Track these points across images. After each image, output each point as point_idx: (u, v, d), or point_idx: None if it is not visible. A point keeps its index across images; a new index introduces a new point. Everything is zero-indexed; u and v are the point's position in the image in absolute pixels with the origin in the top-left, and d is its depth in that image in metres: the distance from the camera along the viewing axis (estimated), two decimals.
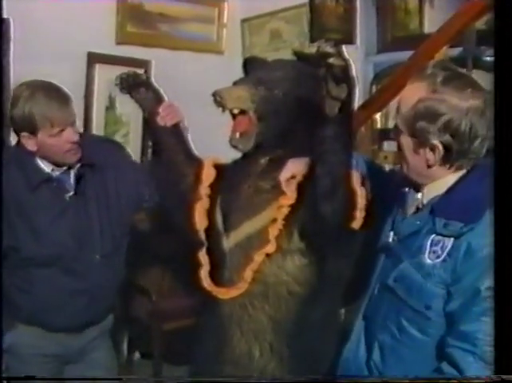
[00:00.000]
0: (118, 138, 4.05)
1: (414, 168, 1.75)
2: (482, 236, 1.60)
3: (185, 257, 2.17)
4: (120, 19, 3.99)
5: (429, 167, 1.71)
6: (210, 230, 2.07)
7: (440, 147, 1.65)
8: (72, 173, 2.57)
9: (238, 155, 2.07)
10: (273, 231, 1.90)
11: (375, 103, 3.19)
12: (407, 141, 1.73)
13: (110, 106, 3.99)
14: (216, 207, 2.08)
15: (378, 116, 3.44)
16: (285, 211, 1.89)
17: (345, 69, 1.66)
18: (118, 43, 3.99)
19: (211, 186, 2.10)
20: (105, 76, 3.80)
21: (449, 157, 1.67)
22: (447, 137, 1.63)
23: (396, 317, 1.75)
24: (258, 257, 1.94)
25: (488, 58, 2.98)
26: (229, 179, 2.09)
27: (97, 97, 3.94)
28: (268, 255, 1.94)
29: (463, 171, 1.72)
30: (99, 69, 3.88)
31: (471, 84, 1.68)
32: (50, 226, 2.51)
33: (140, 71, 2.57)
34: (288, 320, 1.97)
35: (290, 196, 1.89)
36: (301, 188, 1.89)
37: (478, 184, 1.65)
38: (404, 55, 3.10)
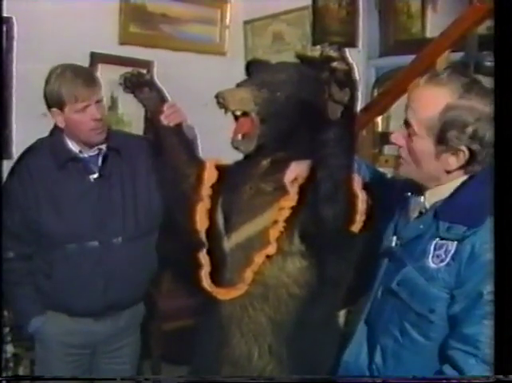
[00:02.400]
0: None
1: (428, 172, 1.75)
2: (486, 240, 1.60)
3: (185, 257, 2.18)
4: (123, 20, 3.99)
5: (448, 172, 1.71)
6: (211, 230, 2.07)
7: (467, 152, 1.66)
8: (101, 156, 2.67)
9: (239, 156, 2.08)
10: (274, 233, 1.91)
11: (376, 106, 3.20)
12: (426, 146, 1.71)
13: (112, 106, 4.00)
14: (217, 208, 2.09)
15: (379, 119, 3.45)
16: (287, 212, 1.90)
17: (349, 73, 1.67)
18: (121, 43, 3.99)
19: (213, 187, 2.10)
20: (108, 76, 3.78)
21: (471, 162, 1.68)
22: (475, 145, 1.65)
23: (399, 320, 1.75)
24: (259, 258, 1.95)
25: (490, 63, 2.98)
26: (231, 180, 2.10)
27: None
28: (268, 257, 1.94)
29: (468, 175, 1.73)
30: (101, 69, 3.87)
31: (486, 89, 1.68)
32: (72, 204, 2.61)
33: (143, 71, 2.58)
34: (287, 321, 1.97)
35: (292, 198, 1.90)
36: (302, 190, 1.90)
37: (481, 188, 1.65)
38: (406, 59, 3.11)
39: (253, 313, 1.99)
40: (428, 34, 3.75)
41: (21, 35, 3.55)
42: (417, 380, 1.59)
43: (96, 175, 2.66)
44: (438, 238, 1.69)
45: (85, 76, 2.59)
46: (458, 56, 2.95)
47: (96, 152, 2.67)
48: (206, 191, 2.09)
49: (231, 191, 2.06)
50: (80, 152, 2.65)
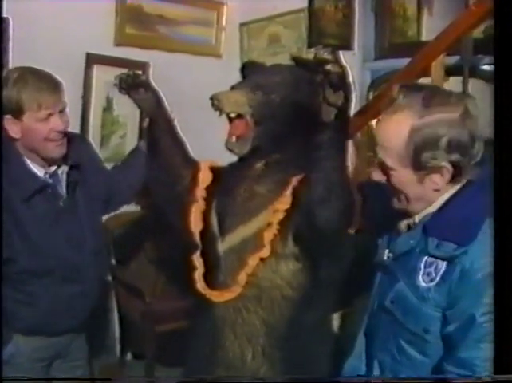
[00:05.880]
0: (115, 139, 4.06)
1: (417, 197, 1.66)
2: (476, 259, 1.54)
3: (179, 259, 2.18)
4: (119, 20, 3.98)
5: (436, 190, 1.63)
6: (206, 232, 2.07)
7: (449, 167, 1.58)
8: (64, 175, 2.48)
9: (234, 158, 2.08)
10: (268, 235, 1.91)
11: (371, 109, 3.20)
12: (406, 177, 1.64)
13: (107, 107, 3.99)
14: (212, 210, 2.09)
15: (374, 122, 3.45)
16: (281, 215, 1.90)
17: (342, 75, 1.67)
18: (116, 44, 3.98)
19: (207, 189, 2.11)
20: (103, 77, 3.80)
21: (458, 173, 1.60)
22: (456, 156, 1.57)
23: (395, 338, 1.70)
24: (253, 261, 1.95)
25: (485, 67, 2.99)
26: (225, 182, 2.10)
27: (95, 98, 3.93)
28: (262, 259, 1.94)
29: (458, 187, 1.65)
30: (97, 70, 3.88)
31: (446, 93, 1.62)
32: (47, 235, 2.42)
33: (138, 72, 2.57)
34: (281, 324, 1.98)
35: (286, 201, 1.90)
36: (296, 193, 1.90)
37: (470, 202, 1.60)
38: (402, 62, 3.11)
39: (246, 316, 1.99)
40: (424, 37, 3.75)
41: (17, 36, 3.54)
42: (417, 380, 1.57)
43: (64, 198, 2.47)
44: (427, 256, 1.63)
45: (49, 81, 2.35)
46: (453, 59, 2.95)
47: (60, 171, 2.46)
48: (200, 192, 2.09)
49: (226, 193, 2.06)
50: (46, 174, 2.41)
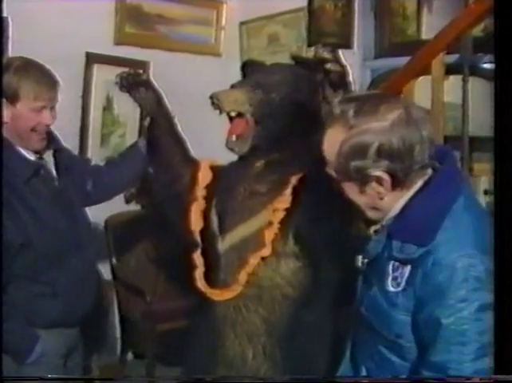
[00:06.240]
0: (115, 138, 4.06)
1: (368, 207, 1.61)
2: (437, 260, 1.50)
3: (180, 258, 2.18)
4: (119, 20, 3.97)
5: (381, 199, 1.57)
6: (206, 231, 2.08)
7: (385, 175, 1.52)
8: (51, 158, 2.49)
9: (234, 157, 2.09)
10: (269, 235, 1.91)
11: None
12: (350, 187, 1.59)
13: (107, 106, 3.98)
14: (212, 209, 2.09)
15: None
16: (281, 214, 1.90)
17: (342, 74, 1.68)
18: (116, 44, 3.98)
19: (207, 187, 2.11)
20: (103, 76, 3.80)
21: (398, 180, 1.54)
22: (385, 163, 1.50)
23: (375, 344, 1.66)
24: (253, 260, 1.95)
25: (485, 65, 2.99)
26: (225, 181, 2.10)
27: (95, 97, 3.92)
28: (263, 258, 1.95)
29: (418, 186, 1.58)
30: (97, 69, 3.87)
31: (383, 99, 1.56)
32: (53, 214, 2.43)
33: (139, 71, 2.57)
34: (281, 322, 1.98)
35: (286, 200, 1.90)
36: (296, 192, 1.90)
37: (428, 203, 1.55)
38: (401, 61, 3.10)
39: (247, 315, 1.99)
40: (424, 36, 3.74)
41: (16, 35, 3.54)
42: (416, 380, 1.56)
43: (57, 179, 2.48)
44: (393, 260, 1.58)
45: (49, 77, 2.38)
46: (453, 58, 2.95)
47: (45, 155, 2.46)
48: (200, 191, 2.10)
49: (226, 192, 2.07)
50: (36, 157, 2.42)
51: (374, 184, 1.54)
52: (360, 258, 1.71)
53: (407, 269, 1.55)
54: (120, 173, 2.69)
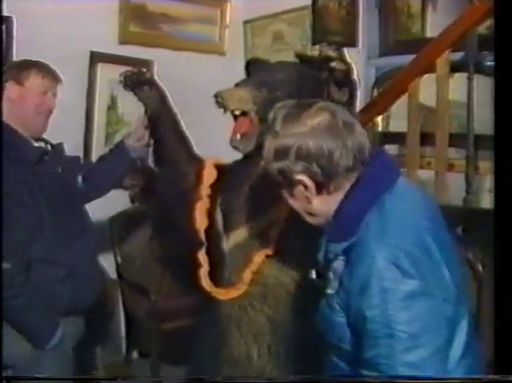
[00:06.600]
0: (120, 137, 4.05)
1: (304, 212, 1.61)
2: (359, 255, 1.48)
3: (185, 257, 2.18)
4: (123, 19, 3.98)
5: (310, 203, 1.57)
6: (210, 230, 2.07)
7: (307, 179, 1.53)
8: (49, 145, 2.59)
9: (239, 156, 2.08)
10: (274, 233, 1.91)
11: (376, 106, 3.19)
12: (284, 193, 1.60)
13: (112, 105, 3.99)
14: (216, 208, 2.09)
15: (379, 119, 3.44)
16: (285, 213, 1.90)
17: (347, 73, 1.67)
18: (121, 43, 3.98)
19: (212, 186, 2.11)
20: (107, 75, 3.80)
21: (321, 184, 1.54)
22: (303, 165, 1.52)
23: (327, 356, 1.64)
24: (258, 258, 1.95)
25: (490, 63, 2.98)
26: (230, 179, 2.10)
27: (99, 96, 3.93)
28: (268, 257, 1.94)
29: (347, 189, 1.57)
30: (101, 69, 3.87)
31: (309, 106, 1.55)
32: (61, 196, 2.52)
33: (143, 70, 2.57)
34: (286, 321, 1.97)
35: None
36: None
37: (353, 199, 1.54)
38: (406, 59, 3.10)
39: (252, 314, 1.99)
40: (428, 34, 3.74)
41: (21, 34, 3.54)
42: (415, 379, 1.54)
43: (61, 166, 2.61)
44: (329, 262, 1.57)
45: (54, 71, 2.53)
46: (458, 56, 2.94)
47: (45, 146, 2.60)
48: (205, 190, 2.10)
49: (230, 190, 2.06)
50: (46, 144, 2.56)
51: (300, 188, 1.56)
52: (313, 270, 1.69)
53: (340, 268, 1.54)
54: (108, 170, 2.74)
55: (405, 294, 1.42)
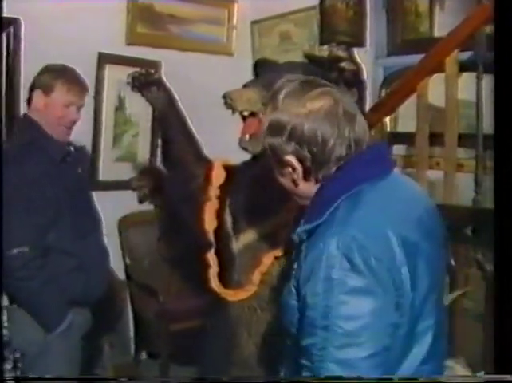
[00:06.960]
0: (127, 138, 4.07)
1: (292, 193, 1.59)
2: (314, 239, 1.45)
3: (194, 258, 2.18)
4: (131, 20, 3.98)
5: (296, 186, 1.55)
6: (220, 231, 2.07)
7: (295, 161, 1.51)
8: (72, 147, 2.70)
9: (247, 156, 2.08)
10: (283, 234, 1.91)
11: (384, 106, 3.19)
12: (275, 169, 1.58)
13: (120, 106, 4.00)
14: (225, 209, 2.09)
15: (387, 119, 3.43)
16: (295, 213, 1.89)
17: (356, 73, 1.67)
18: (128, 44, 3.99)
19: (221, 187, 2.10)
20: (115, 76, 3.80)
21: (309, 171, 1.51)
22: (294, 147, 1.49)
23: (284, 340, 1.61)
24: (267, 259, 1.94)
25: None
26: (238, 180, 2.09)
27: (107, 97, 3.94)
28: (276, 258, 1.94)
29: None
30: (109, 70, 3.88)
31: (315, 87, 1.53)
32: (81, 194, 2.67)
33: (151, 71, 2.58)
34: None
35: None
36: None
37: (332, 184, 1.50)
38: (414, 58, 3.09)
39: (261, 314, 1.99)
40: (436, 33, 3.73)
41: (29, 36, 3.55)
42: (416, 379, 1.53)
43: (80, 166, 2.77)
44: (296, 244, 1.53)
45: (82, 81, 2.64)
46: (466, 55, 2.93)
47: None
48: (214, 191, 2.09)
49: (239, 191, 2.06)
50: (69, 145, 2.66)
51: (289, 169, 1.53)
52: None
53: (302, 249, 1.49)
54: None
55: (349, 288, 1.37)
